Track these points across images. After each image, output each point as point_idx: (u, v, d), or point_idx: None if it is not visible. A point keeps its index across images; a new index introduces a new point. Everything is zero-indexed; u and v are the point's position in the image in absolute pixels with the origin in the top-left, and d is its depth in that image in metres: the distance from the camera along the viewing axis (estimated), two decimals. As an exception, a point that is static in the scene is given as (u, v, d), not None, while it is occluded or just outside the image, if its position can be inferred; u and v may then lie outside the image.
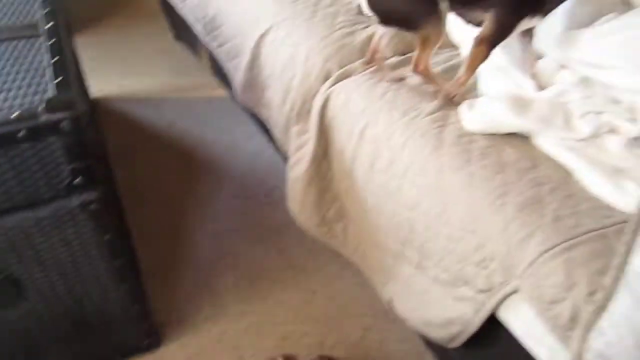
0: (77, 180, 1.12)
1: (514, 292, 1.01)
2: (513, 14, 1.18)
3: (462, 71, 1.24)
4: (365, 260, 1.42)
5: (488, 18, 1.19)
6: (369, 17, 1.28)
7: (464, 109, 1.21)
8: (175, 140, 2.18)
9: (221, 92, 2.30)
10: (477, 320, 1.10)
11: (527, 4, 1.18)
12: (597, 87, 1.20)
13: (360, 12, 1.38)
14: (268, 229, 1.82)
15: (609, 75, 1.17)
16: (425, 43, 1.23)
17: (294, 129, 1.51)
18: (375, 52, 1.38)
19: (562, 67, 1.27)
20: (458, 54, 1.44)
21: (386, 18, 1.25)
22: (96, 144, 1.36)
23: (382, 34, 1.35)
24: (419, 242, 1.19)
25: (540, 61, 1.33)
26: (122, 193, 1.82)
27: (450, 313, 1.16)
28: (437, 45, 1.25)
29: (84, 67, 2.09)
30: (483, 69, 1.34)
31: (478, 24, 1.24)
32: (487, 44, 1.19)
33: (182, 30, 2.42)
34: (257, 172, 2.03)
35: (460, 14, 1.27)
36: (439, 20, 1.20)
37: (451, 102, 1.25)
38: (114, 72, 2.53)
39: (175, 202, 1.92)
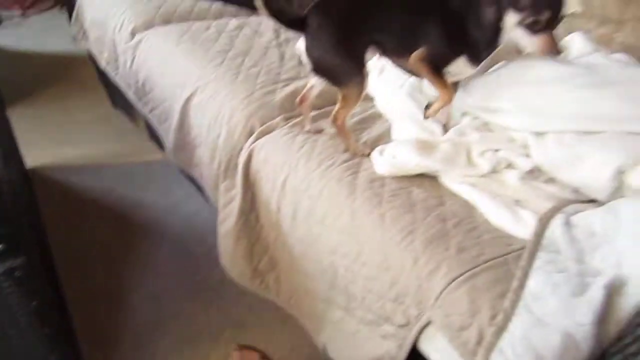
0: (0, 247, 1.13)
1: (429, 323, 1.06)
2: (448, 52, 1.24)
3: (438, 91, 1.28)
4: (299, 308, 1.45)
5: (421, 49, 1.25)
6: (305, 64, 1.33)
7: (375, 155, 1.29)
8: (113, 205, 2.18)
9: (159, 155, 2.34)
10: (401, 355, 1.14)
11: (458, 44, 1.23)
12: (494, 127, 1.30)
13: (300, 60, 1.43)
14: (207, 287, 1.82)
15: (501, 118, 1.27)
16: (346, 100, 1.30)
17: (223, 185, 1.56)
18: (304, 99, 1.43)
19: (464, 113, 1.37)
20: (373, 106, 1.54)
21: (318, 67, 1.30)
22: (22, 211, 1.37)
23: (314, 84, 1.40)
24: (343, 285, 1.24)
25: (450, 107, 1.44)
26: (58, 260, 1.81)
27: (378, 351, 1.19)
28: (356, 105, 1.32)
29: (20, 138, 2.10)
30: (396, 118, 1.43)
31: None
32: (424, 62, 1.23)
33: (118, 98, 2.47)
34: (195, 231, 2.04)
35: (397, 64, 1.34)
36: (362, 81, 1.28)
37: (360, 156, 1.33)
38: (52, 141, 2.55)
39: (113, 266, 1.91)
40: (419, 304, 1.06)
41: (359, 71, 1.27)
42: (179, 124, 1.73)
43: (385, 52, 1.30)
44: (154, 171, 2.36)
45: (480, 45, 1.23)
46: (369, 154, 1.32)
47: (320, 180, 1.28)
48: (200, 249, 1.97)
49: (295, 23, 1.28)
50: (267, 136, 1.45)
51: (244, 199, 1.47)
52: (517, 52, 1.44)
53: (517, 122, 1.24)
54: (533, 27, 1.09)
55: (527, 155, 1.22)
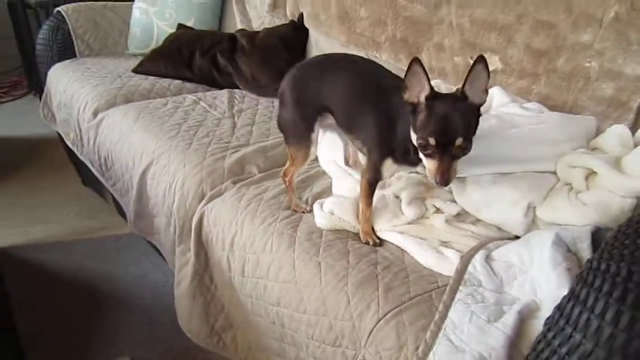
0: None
1: (364, 362, 1.11)
2: (377, 152, 1.27)
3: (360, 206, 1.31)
4: (256, 365, 1.48)
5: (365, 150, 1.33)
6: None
7: (316, 207, 1.38)
8: (82, 280, 2.23)
9: (127, 229, 2.41)
10: (346, 398, 1.18)
11: (387, 146, 1.25)
12: (421, 177, 1.40)
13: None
14: (176, 354, 1.85)
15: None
16: (294, 158, 1.42)
17: (178, 250, 1.63)
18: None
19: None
20: (317, 165, 1.64)
21: (279, 124, 1.44)
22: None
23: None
24: (289, 335, 1.29)
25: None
26: (26, 340, 1.83)
27: (327, 397, 1.23)
28: (303, 165, 1.43)
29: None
30: (335, 175, 1.54)
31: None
32: (365, 178, 1.29)
33: (87, 176, 2.57)
34: (161, 300, 2.08)
35: (345, 135, 1.44)
36: (309, 145, 1.38)
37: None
38: (22, 221, 2.62)
39: (81, 341, 1.93)
40: (354, 344, 1.12)
41: (307, 136, 1.37)
42: (138, 195, 1.82)
43: (337, 121, 1.38)
44: (123, 244, 2.43)
45: (405, 149, 1.22)
46: (310, 211, 1.41)
47: (264, 235, 1.36)
48: (167, 317, 2.00)
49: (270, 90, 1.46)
50: (217, 199, 1.54)
51: (197, 260, 1.54)
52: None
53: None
54: (423, 149, 1.11)
55: (453, 201, 1.32)
